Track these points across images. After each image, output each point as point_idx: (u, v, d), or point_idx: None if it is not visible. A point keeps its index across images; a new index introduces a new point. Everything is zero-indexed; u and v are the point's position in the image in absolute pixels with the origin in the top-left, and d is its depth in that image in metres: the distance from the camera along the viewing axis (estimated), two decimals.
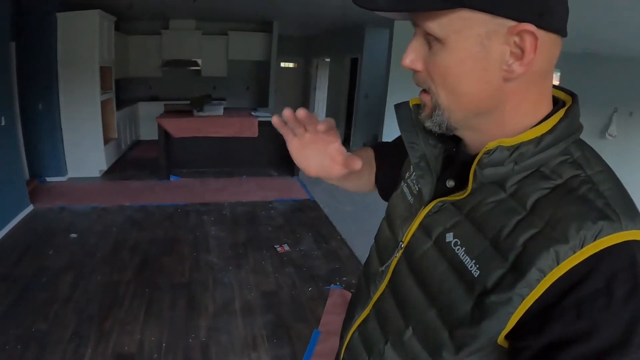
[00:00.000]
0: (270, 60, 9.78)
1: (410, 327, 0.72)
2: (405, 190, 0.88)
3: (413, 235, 0.77)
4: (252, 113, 7.13)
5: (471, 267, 0.63)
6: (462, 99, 0.64)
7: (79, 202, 5.50)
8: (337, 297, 3.53)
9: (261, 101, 10.53)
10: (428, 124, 0.70)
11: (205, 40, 9.82)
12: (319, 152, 0.89)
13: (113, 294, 3.46)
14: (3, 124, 4.53)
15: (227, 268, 3.98)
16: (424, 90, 0.68)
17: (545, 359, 0.55)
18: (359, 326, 0.88)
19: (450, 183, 0.73)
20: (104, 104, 6.76)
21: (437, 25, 0.59)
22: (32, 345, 2.80)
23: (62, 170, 6.40)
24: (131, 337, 2.94)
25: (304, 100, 13.80)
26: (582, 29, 5.68)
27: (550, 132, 0.62)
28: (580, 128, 0.66)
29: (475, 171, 0.65)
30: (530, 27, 0.56)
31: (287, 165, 7.35)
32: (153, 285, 3.62)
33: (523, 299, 0.56)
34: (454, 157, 0.77)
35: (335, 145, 0.88)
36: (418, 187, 0.81)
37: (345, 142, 10.07)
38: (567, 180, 0.60)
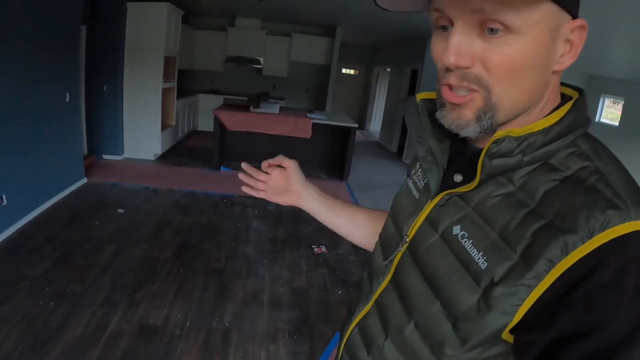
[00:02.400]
0: (331, 65, 9.86)
1: (412, 322, 0.71)
2: (411, 186, 0.87)
3: (419, 229, 0.76)
4: (308, 115, 7.17)
5: (478, 259, 0.61)
6: (522, 92, 0.62)
7: (131, 181, 5.73)
8: None
9: (319, 104, 10.63)
10: (470, 130, 0.65)
11: (268, 40, 10.00)
12: (283, 190, 1.13)
13: (149, 268, 3.57)
14: (67, 100, 4.79)
15: (262, 261, 4.01)
16: (468, 90, 0.63)
17: (553, 354, 0.53)
18: (359, 322, 0.87)
19: (458, 177, 0.72)
20: (165, 92, 7.02)
21: (519, 15, 0.56)
22: (65, 303, 2.94)
23: (119, 150, 6.71)
24: (159, 310, 3.02)
25: (362, 107, 13.84)
26: None
27: (558, 123, 0.62)
28: (588, 121, 0.65)
29: (483, 161, 0.64)
30: (584, 22, 0.60)
31: (336, 169, 7.36)
32: (189, 266, 3.70)
33: (531, 291, 0.55)
34: (461, 151, 0.76)
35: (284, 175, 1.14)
36: (424, 182, 0.81)
37: (399, 153, 10.02)
38: (575, 172, 0.59)
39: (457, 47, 0.60)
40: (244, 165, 1.17)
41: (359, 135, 7.23)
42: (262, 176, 1.15)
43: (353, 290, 3.42)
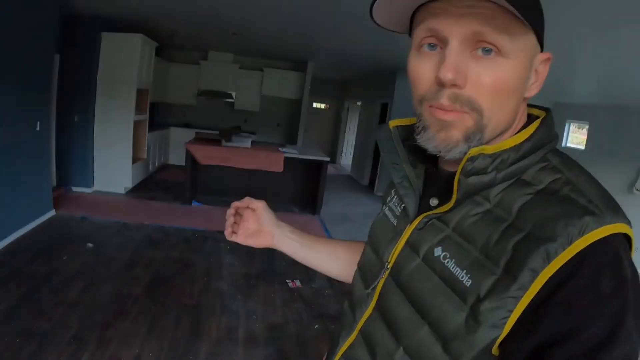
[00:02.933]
0: (302, 99, 9.97)
1: (402, 347, 0.70)
2: (388, 213, 0.88)
3: (400, 254, 0.76)
4: (280, 149, 7.19)
5: (462, 277, 0.62)
6: (506, 114, 0.66)
7: (101, 214, 5.59)
8: None
9: (290, 138, 10.68)
10: (458, 151, 0.65)
11: (241, 74, 10.06)
12: (255, 232, 1.12)
13: (120, 305, 3.45)
14: (38, 129, 4.69)
15: (236, 296, 3.94)
16: (459, 111, 0.63)
17: None
18: (344, 353, 0.86)
19: (434, 201, 0.74)
20: (137, 125, 6.96)
21: (510, 40, 0.61)
22: (32, 341, 2.81)
23: (88, 182, 6.57)
24: (130, 349, 2.91)
25: (333, 141, 13.98)
26: (614, 81, 5.68)
27: (528, 139, 0.65)
28: (556, 137, 0.69)
29: (459, 179, 0.65)
30: (550, 55, 0.68)
31: (309, 203, 7.35)
32: (160, 303, 3.60)
33: (518, 302, 0.56)
34: (435, 176, 0.78)
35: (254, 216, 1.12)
36: (402, 207, 0.83)
37: (371, 186, 10.09)
38: (548, 185, 0.62)
39: (455, 64, 0.61)
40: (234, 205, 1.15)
41: (330, 169, 7.29)
42: (232, 219, 1.12)
43: (335, 325, 3.39)
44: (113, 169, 6.70)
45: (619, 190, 6.84)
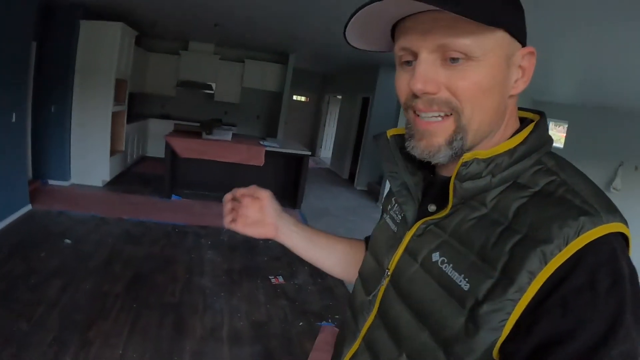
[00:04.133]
0: (283, 92, 9.91)
1: (404, 353, 0.71)
2: (388, 221, 0.89)
3: (399, 260, 0.77)
4: (260, 142, 7.13)
5: (460, 281, 0.63)
6: (486, 114, 0.66)
7: (78, 209, 5.47)
8: (328, 334, 3.44)
9: (270, 131, 10.61)
10: (441, 155, 0.68)
11: (221, 65, 9.96)
12: (256, 222, 1.07)
13: (100, 304, 3.38)
14: (13, 120, 4.55)
15: (219, 294, 3.89)
16: (440, 115, 0.66)
17: None
18: None
19: (432, 207, 0.74)
20: (115, 116, 6.81)
21: (476, 43, 0.62)
22: (11, 344, 2.73)
23: (65, 175, 6.41)
24: (113, 351, 2.85)
25: (313, 134, 13.94)
26: (592, 81, 5.77)
27: (522, 143, 0.66)
28: (550, 140, 0.70)
29: (454, 185, 0.66)
30: (532, 49, 0.68)
31: (290, 197, 7.32)
32: (142, 301, 3.53)
33: (516, 304, 0.56)
34: (433, 182, 0.80)
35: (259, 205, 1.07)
36: (401, 215, 0.83)
37: (351, 179, 10.11)
38: (543, 187, 0.62)
39: (424, 74, 0.64)
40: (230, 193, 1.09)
41: (310, 162, 7.27)
42: (230, 205, 1.07)
43: (316, 319, 3.39)
44: (91, 161, 6.55)
45: None
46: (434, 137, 0.67)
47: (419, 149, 0.69)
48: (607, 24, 3.29)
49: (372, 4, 0.61)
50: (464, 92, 0.64)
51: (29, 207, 5.11)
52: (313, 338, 3.38)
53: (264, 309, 3.74)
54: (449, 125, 0.66)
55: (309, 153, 7.17)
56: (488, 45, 0.63)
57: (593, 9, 3.05)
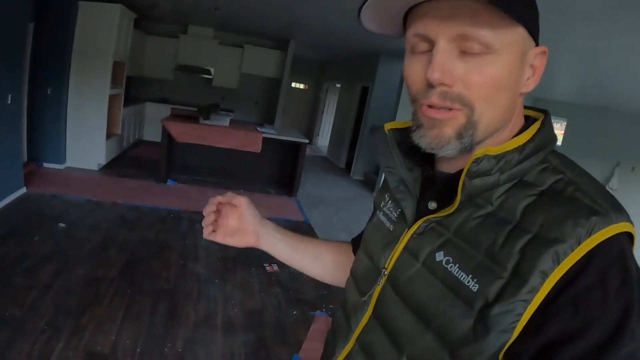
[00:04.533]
0: (282, 79, 9.84)
1: (405, 356, 0.68)
2: (382, 218, 0.86)
3: (398, 260, 0.75)
4: (258, 128, 7.09)
5: (468, 282, 0.61)
6: (498, 110, 0.65)
7: (73, 192, 5.44)
8: (322, 324, 3.45)
9: (268, 118, 10.56)
10: (450, 148, 0.66)
11: (220, 50, 9.89)
12: (236, 230, 1.04)
13: (94, 290, 3.37)
14: (9, 102, 4.50)
15: (213, 280, 3.89)
16: (450, 109, 0.64)
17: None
18: None
19: (432, 205, 0.73)
20: (112, 99, 6.76)
21: (497, 35, 0.61)
22: (4, 329, 2.71)
23: (60, 158, 6.37)
24: (106, 336, 2.84)
25: (310, 122, 13.91)
26: (592, 81, 5.78)
27: (531, 140, 0.66)
28: (555, 138, 0.69)
29: (464, 182, 0.64)
30: (545, 48, 0.68)
31: (286, 185, 7.32)
32: (136, 287, 3.53)
33: (528, 305, 0.56)
34: (431, 179, 0.78)
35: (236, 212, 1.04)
36: (398, 212, 0.81)
37: (347, 169, 10.10)
38: (551, 185, 0.62)
39: (442, 63, 0.61)
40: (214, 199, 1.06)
41: (306, 150, 7.26)
42: (210, 216, 1.04)
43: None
44: (86, 144, 6.50)
45: None
46: (444, 127, 0.65)
47: (428, 138, 0.67)
48: (607, 24, 3.29)
49: None
50: (478, 87, 0.62)
51: (23, 190, 5.08)
52: (307, 327, 3.39)
53: (258, 297, 3.74)
54: (460, 118, 0.64)
55: (307, 141, 7.15)
56: (507, 40, 0.61)
57: (593, 8, 3.04)
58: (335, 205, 7.09)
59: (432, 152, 0.68)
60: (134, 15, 7.01)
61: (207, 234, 1.04)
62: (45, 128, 6.09)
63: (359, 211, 6.99)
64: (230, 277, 4.02)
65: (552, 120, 0.73)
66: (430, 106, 0.65)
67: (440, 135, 0.65)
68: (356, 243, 1.06)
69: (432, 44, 0.63)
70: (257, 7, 6.26)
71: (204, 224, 1.04)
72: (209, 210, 1.03)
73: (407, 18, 0.68)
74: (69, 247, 4.00)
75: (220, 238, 1.04)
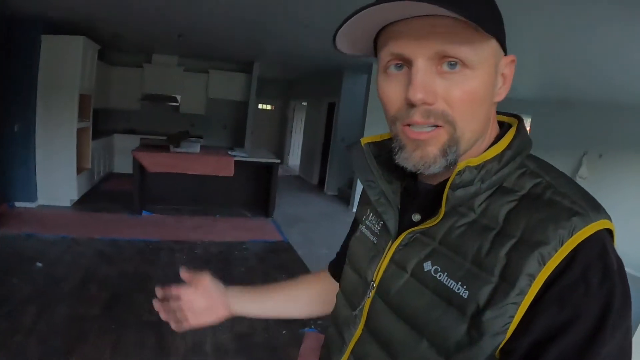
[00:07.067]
0: (249, 101, 9.87)
1: None
2: (365, 231, 0.87)
3: (385, 272, 0.76)
4: (229, 152, 7.08)
5: (458, 289, 0.63)
6: (479, 123, 0.67)
7: (48, 231, 5.32)
8: (313, 340, 3.46)
9: (238, 141, 10.54)
10: (437, 167, 0.67)
11: (186, 77, 9.87)
12: (206, 309, 1.03)
13: (79, 328, 3.30)
14: None
15: None
16: (432, 126, 0.65)
17: (532, 357, 0.56)
18: None
19: (416, 217, 0.74)
20: (80, 133, 6.66)
21: (474, 51, 0.63)
22: None
23: (32, 196, 6.23)
24: None
25: (280, 142, 13.92)
26: (557, 80, 5.98)
27: (508, 147, 0.68)
28: (530, 143, 0.71)
29: (447, 194, 0.66)
30: (514, 57, 0.70)
31: (261, 206, 7.30)
32: (121, 322, 3.47)
33: (518, 307, 0.58)
34: (412, 190, 0.79)
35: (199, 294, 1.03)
36: (381, 224, 0.82)
37: (320, 185, 10.13)
38: (530, 190, 0.64)
39: (423, 83, 0.62)
40: (158, 292, 1.04)
41: (279, 170, 7.28)
42: (166, 309, 1.02)
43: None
44: (57, 181, 6.37)
45: None
46: (428, 147, 0.65)
47: (413, 160, 0.67)
48: (563, 19, 3.43)
49: (378, 5, 0.58)
50: (459, 103, 0.63)
51: None
52: (298, 345, 3.39)
53: (246, 320, 3.71)
54: (441, 135, 0.65)
55: (278, 161, 7.18)
56: (484, 54, 0.63)
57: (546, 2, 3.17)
58: (313, 222, 7.11)
59: (419, 172, 0.69)
60: (97, 46, 6.95)
61: (175, 326, 1.03)
62: (14, 167, 5.97)
63: (337, 226, 7.01)
64: None
65: None
66: (409, 125, 0.65)
67: (425, 156, 0.66)
68: (334, 267, 1.08)
69: (408, 62, 0.64)
70: (220, 31, 6.29)
71: (164, 318, 1.02)
72: (158, 305, 1.02)
73: (377, 37, 0.69)
74: (48, 287, 3.91)
75: (193, 324, 1.02)
